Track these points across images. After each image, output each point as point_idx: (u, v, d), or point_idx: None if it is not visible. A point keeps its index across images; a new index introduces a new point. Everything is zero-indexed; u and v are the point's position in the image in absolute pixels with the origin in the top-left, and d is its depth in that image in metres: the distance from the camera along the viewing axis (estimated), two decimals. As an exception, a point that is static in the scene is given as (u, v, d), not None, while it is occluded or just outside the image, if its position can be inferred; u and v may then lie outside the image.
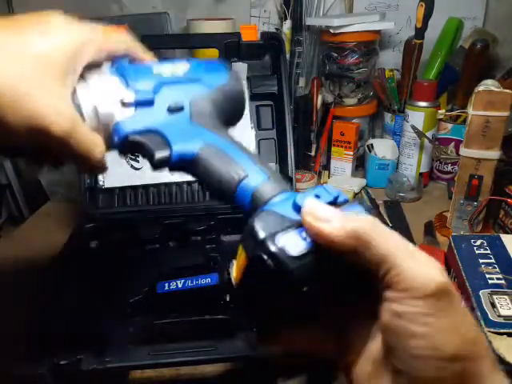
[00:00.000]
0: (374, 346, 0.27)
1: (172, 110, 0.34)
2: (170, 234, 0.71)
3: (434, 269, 0.24)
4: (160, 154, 0.33)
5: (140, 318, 0.53)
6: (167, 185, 0.79)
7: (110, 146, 0.34)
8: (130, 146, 0.34)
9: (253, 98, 0.81)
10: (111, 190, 0.78)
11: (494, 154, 0.71)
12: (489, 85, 0.70)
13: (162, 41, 0.88)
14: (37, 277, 0.67)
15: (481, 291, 0.55)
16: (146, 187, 0.79)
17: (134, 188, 0.79)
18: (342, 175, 0.98)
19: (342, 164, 0.98)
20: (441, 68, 1.00)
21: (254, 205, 0.30)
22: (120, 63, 0.35)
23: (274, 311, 0.28)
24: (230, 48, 0.81)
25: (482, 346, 0.25)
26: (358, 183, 0.94)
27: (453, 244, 0.65)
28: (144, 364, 0.47)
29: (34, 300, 0.57)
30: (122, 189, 0.78)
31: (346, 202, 0.28)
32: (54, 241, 0.74)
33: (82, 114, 0.32)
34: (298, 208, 0.27)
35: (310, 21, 1.00)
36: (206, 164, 0.32)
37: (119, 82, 0.34)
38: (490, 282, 0.56)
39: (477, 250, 0.63)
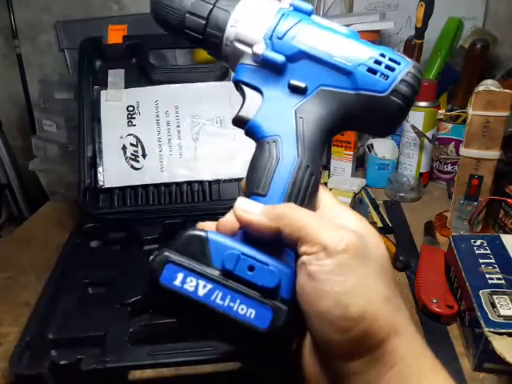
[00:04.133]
0: None
1: (291, 88, 0.33)
2: (169, 234, 0.71)
3: (347, 232, 0.26)
4: (242, 113, 0.33)
5: (140, 318, 0.53)
6: (167, 185, 0.79)
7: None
8: (237, 88, 0.35)
9: (253, 97, 0.81)
10: (111, 189, 0.78)
11: (494, 154, 0.71)
12: (489, 85, 0.70)
13: (162, 41, 0.88)
14: (36, 277, 0.68)
15: (481, 291, 0.55)
16: (145, 187, 0.79)
17: (134, 188, 0.79)
18: (342, 175, 0.98)
19: (341, 164, 0.98)
20: (441, 68, 1.00)
21: None
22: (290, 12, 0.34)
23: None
24: (230, 48, 0.81)
25: (390, 312, 0.25)
26: (357, 183, 0.94)
27: (453, 244, 0.65)
28: (144, 364, 0.47)
29: (34, 300, 0.57)
30: (122, 189, 0.78)
31: None
32: (54, 241, 0.74)
33: (224, 29, 0.33)
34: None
35: (310, 21, 1.00)
36: (256, 156, 0.32)
37: (266, 25, 0.33)
38: (490, 282, 0.56)
39: (477, 250, 0.63)
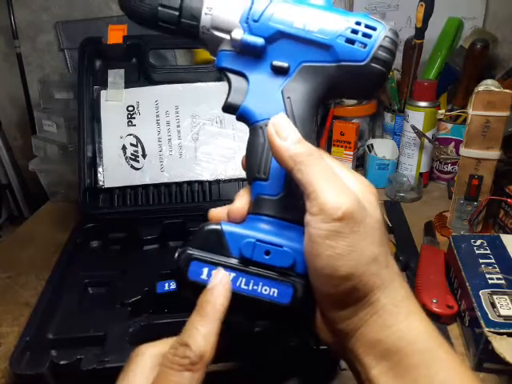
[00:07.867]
0: None
1: (274, 68, 0.33)
2: (169, 234, 0.71)
3: (346, 197, 0.28)
4: (231, 100, 0.34)
5: (140, 318, 0.53)
6: (167, 185, 0.79)
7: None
8: (221, 75, 0.36)
9: (253, 98, 0.81)
10: (111, 189, 0.78)
11: (494, 154, 0.71)
12: (489, 85, 0.70)
13: (162, 41, 0.88)
14: (36, 277, 0.68)
15: (481, 291, 0.55)
16: (145, 187, 0.79)
17: (134, 188, 0.79)
18: (342, 175, 0.98)
19: (342, 164, 0.97)
20: (441, 68, 1.00)
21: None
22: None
23: None
24: (230, 48, 0.81)
25: (376, 271, 0.28)
26: (357, 183, 0.94)
27: (453, 244, 0.65)
28: (144, 364, 0.47)
29: (34, 300, 0.57)
30: (122, 189, 0.78)
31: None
32: (54, 241, 0.74)
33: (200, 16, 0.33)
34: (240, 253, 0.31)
35: (310, 21, 1.00)
36: (251, 141, 0.33)
37: (240, 9, 0.33)
38: (490, 282, 0.56)
39: (477, 250, 0.63)
